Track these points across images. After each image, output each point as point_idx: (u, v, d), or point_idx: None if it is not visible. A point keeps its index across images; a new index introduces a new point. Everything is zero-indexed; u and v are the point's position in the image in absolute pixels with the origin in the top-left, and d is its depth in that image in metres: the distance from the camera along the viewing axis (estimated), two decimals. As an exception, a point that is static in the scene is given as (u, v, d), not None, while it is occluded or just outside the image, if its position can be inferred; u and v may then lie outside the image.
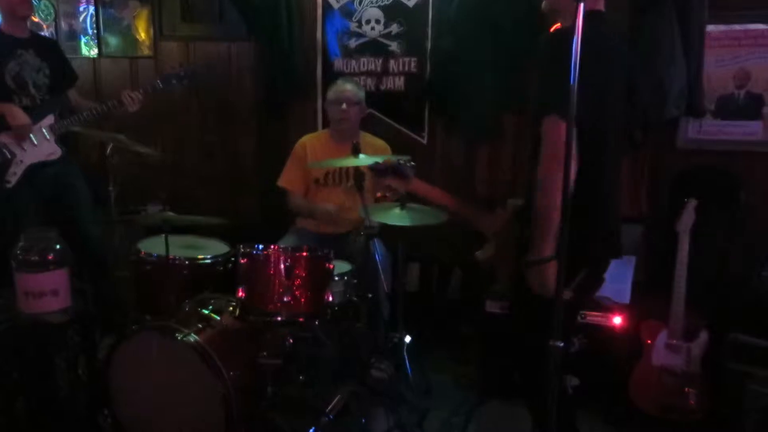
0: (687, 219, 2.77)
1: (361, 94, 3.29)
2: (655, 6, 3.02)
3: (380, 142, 3.33)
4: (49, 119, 3.20)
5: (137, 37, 4.36)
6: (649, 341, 2.83)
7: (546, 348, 1.57)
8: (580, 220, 1.68)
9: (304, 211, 3.30)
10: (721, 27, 3.10)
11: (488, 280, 3.12)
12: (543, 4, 2.04)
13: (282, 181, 3.34)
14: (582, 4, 1.39)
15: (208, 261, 2.90)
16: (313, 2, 3.88)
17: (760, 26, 3.03)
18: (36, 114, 3.16)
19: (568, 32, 1.55)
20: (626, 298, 2.99)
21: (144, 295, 2.91)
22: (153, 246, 2.92)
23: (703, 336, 2.77)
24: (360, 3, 3.78)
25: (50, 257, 2.44)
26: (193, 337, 2.31)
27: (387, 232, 2.68)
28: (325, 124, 3.82)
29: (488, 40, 3.40)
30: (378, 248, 2.55)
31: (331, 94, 3.28)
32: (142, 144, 3.20)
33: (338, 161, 2.81)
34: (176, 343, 2.30)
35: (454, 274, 3.66)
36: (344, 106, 3.19)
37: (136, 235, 3.27)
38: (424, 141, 3.79)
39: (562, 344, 1.55)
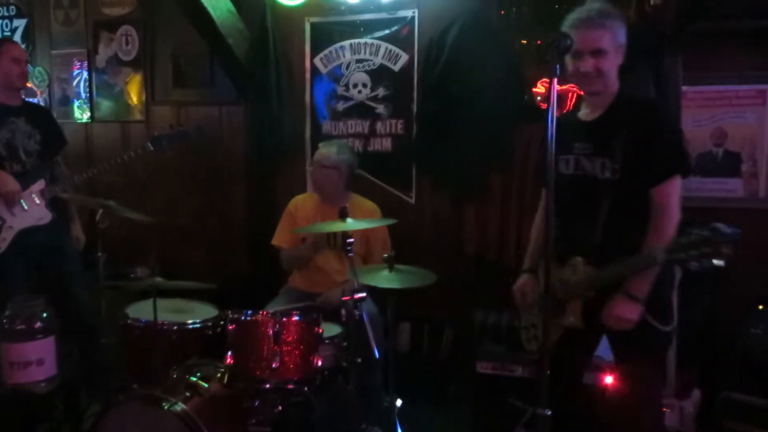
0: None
1: (339, 158, 3.24)
2: (632, 69, 3.12)
3: (370, 204, 3.37)
4: (40, 184, 3.23)
5: (129, 101, 4.45)
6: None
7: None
8: None
9: (292, 260, 3.33)
10: (696, 88, 3.21)
11: (478, 340, 3.12)
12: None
13: (275, 240, 3.39)
14: (555, 80, 1.44)
15: (197, 325, 2.87)
16: (301, 67, 3.99)
17: (733, 88, 3.14)
18: (26, 179, 3.19)
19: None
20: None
21: (131, 362, 2.86)
22: (141, 311, 2.90)
23: (696, 394, 2.76)
24: (347, 67, 3.90)
25: (36, 326, 2.43)
26: (180, 406, 2.28)
27: (377, 293, 2.68)
28: (313, 185, 3.87)
29: (472, 102, 3.49)
30: (368, 310, 2.55)
31: None
32: (131, 210, 3.21)
33: (324, 226, 2.83)
34: (163, 413, 2.27)
35: (446, 334, 3.64)
36: (311, 168, 3.26)
37: (124, 299, 3.24)
38: (413, 201, 3.84)
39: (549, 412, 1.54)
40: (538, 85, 3.47)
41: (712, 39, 3.10)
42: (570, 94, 3.41)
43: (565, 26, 2.12)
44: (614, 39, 2.09)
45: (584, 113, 2.24)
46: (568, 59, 2.09)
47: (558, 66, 1.48)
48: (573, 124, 2.24)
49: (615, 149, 2.05)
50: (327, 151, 3.28)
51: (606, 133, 2.10)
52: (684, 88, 3.15)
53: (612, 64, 2.10)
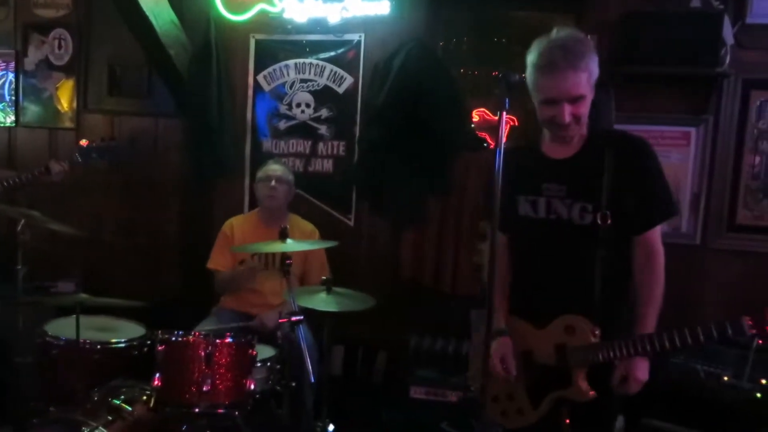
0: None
1: (290, 177, 3.33)
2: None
3: (308, 226, 3.35)
4: (-44, 191, 3.03)
5: (59, 107, 4.26)
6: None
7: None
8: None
9: (229, 283, 3.25)
10: (626, 126, 3.34)
11: (412, 364, 3.12)
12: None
13: (210, 263, 3.30)
14: (504, 113, 1.48)
15: (122, 345, 2.76)
16: (244, 83, 3.94)
17: (660, 128, 3.32)
18: (-59, 186, 2.99)
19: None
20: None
21: (48, 383, 2.72)
22: (61, 328, 2.76)
23: (620, 420, 2.84)
24: (291, 87, 3.87)
25: (-57, 343, 2.26)
26: (101, 431, 2.17)
27: (312, 315, 2.64)
28: (252, 204, 3.81)
29: (414, 129, 3.53)
30: (303, 333, 2.50)
31: (261, 173, 3.32)
32: (56, 221, 3.06)
33: (264, 246, 2.79)
34: (82, 438, 2.15)
35: (379, 358, 3.63)
36: (273, 182, 3.22)
37: (44, 315, 3.07)
38: (351, 223, 3.84)
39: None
40: (474, 114, 3.56)
41: (644, 82, 3.28)
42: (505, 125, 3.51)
43: (530, 70, 1.83)
44: (590, 77, 1.82)
45: (551, 148, 1.96)
46: (536, 104, 1.87)
47: (507, 99, 1.51)
48: (540, 162, 1.97)
49: (598, 192, 1.84)
50: (282, 167, 3.34)
51: (584, 174, 1.88)
52: (615, 126, 3.29)
53: (588, 103, 1.85)
